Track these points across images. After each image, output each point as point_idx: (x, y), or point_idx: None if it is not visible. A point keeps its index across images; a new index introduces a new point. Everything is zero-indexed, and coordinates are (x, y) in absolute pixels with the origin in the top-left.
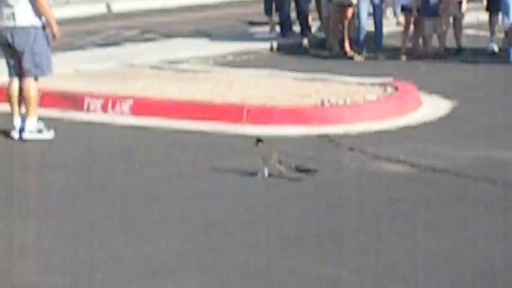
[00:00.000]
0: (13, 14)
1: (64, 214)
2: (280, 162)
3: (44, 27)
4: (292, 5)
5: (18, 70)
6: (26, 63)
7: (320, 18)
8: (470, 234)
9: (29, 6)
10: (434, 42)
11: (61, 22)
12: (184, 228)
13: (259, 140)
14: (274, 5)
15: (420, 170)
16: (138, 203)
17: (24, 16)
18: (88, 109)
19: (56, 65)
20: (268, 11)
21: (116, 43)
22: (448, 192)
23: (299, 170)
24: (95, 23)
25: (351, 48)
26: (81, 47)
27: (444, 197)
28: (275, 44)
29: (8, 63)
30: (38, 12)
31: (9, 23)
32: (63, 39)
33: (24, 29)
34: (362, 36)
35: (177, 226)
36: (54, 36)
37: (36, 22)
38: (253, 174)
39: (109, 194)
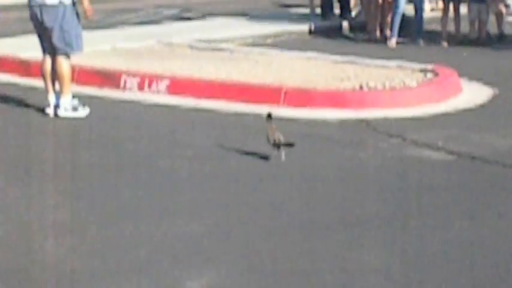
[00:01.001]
0: None
1: (95, 193)
2: (280, 141)
3: (74, 4)
4: None
5: (49, 47)
6: (56, 41)
7: (361, 1)
8: (508, 224)
9: None
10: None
11: (100, 0)
12: (217, 210)
13: (269, 115)
14: None
15: (459, 157)
16: (169, 183)
17: None
18: (124, 87)
19: (93, 43)
20: None
21: (154, 22)
22: (487, 180)
23: (286, 145)
24: (134, 1)
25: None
26: (119, 25)
27: (483, 185)
28: (314, 26)
29: (40, 40)
30: None
31: (39, 0)
32: (101, 16)
33: (53, 6)
34: (397, 20)
35: (209, 207)
36: (85, 13)
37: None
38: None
39: (141, 174)
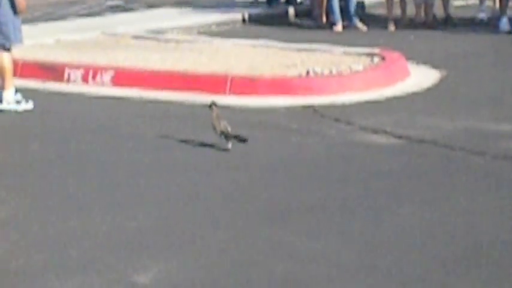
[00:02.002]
0: None
1: (40, 187)
2: (226, 130)
3: None
4: None
5: None
6: None
7: None
8: (458, 207)
9: None
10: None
11: None
12: (163, 201)
13: (213, 103)
14: None
15: (408, 141)
16: (116, 175)
17: None
18: (68, 80)
19: (37, 35)
20: None
21: (98, 13)
22: (436, 164)
23: (236, 137)
24: None
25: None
26: (63, 17)
27: (432, 168)
28: (258, 13)
29: None
30: None
31: None
32: (45, 9)
33: None
34: (336, 4)
35: (155, 200)
36: (18, 5)
37: None
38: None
39: (87, 167)
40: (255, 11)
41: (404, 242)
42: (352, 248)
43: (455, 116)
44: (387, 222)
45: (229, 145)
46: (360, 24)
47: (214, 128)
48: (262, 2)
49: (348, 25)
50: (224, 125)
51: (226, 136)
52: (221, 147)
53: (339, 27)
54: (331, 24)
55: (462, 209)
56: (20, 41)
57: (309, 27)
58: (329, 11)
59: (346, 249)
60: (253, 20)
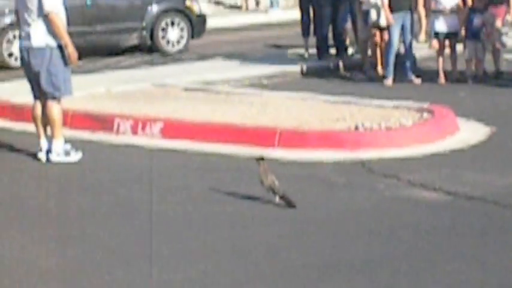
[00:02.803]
0: (29, 34)
1: (87, 239)
2: (274, 185)
3: (61, 48)
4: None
5: (39, 92)
6: (44, 84)
7: (356, 40)
8: (504, 266)
9: (44, 26)
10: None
11: None
12: (210, 255)
13: (261, 158)
14: (312, 27)
15: (456, 197)
16: (164, 227)
17: (39, 36)
18: (118, 131)
19: (88, 86)
20: (305, 33)
21: (149, 64)
22: (485, 221)
23: (282, 198)
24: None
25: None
26: (114, 68)
27: (480, 226)
28: (305, 67)
29: (30, 85)
30: (54, 33)
31: (26, 43)
32: (98, 59)
33: (39, 48)
34: (391, 58)
35: (201, 253)
36: (69, 58)
37: (52, 42)
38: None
39: (134, 220)
40: (306, 64)
41: None
42: None
43: (505, 172)
44: (435, 279)
45: (277, 199)
46: (414, 78)
47: (262, 183)
48: (311, 56)
49: (401, 79)
50: (272, 180)
51: (274, 192)
52: (268, 201)
53: (389, 80)
54: (383, 77)
55: (507, 267)
56: (70, 92)
57: (359, 80)
58: (386, 64)
59: None
60: (304, 73)
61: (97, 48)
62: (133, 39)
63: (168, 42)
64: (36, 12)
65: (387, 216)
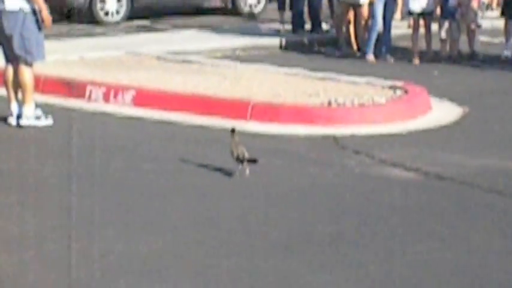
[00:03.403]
0: None
1: (55, 204)
2: (243, 155)
3: (34, 12)
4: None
5: (12, 56)
6: (16, 48)
7: (332, 16)
8: (474, 246)
9: None
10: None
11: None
12: (177, 226)
13: (233, 130)
14: (287, 1)
15: (426, 177)
16: (133, 197)
17: (13, 0)
18: (90, 98)
19: (61, 52)
20: (281, 7)
21: (124, 32)
22: (454, 201)
23: (248, 161)
24: None
25: (359, 48)
26: (88, 35)
27: (450, 206)
28: (284, 41)
29: (3, 48)
30: None
31: (0, 6)
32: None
33: (13, 12)
34: (374, 36)
35: (170, 223)
36: (43, 21)
37: (26, 6)
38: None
39: (103, 186)
40: (281, 38)
41: (417, 280)
42: (363, 283)
43: (476, 153)
44: (401, 258)
45: (247, 171)
46: (388, 56)
47: (232, 153)
48: (287, 30)
49: (377, 56)
50: (242, 151)
51: (242, 161)
52: (238, 174)
53: (371, 56)
54: (361, 54)
55: (477, 247)
56: (43, 57)
57: (334, 56)
58: (368, 41)
59: (357, 284)
60: (282, 47)
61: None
62: None
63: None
64: None
65: (357, 193)
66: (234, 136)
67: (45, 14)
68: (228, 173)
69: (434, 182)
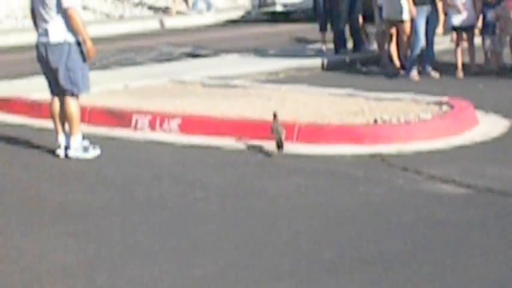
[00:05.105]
0: (46, 30)
1: (106, 234)
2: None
3: (79, 44)
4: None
5: (57, 88)
6: (62, 80)
7: (375, 35)
8: None
9: (62, 22)
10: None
11: (114, 38)
12: (229, 250)
13: (275, 114)
14: (329, 22)
15: (477, 191)
16: (184, 223)
17: (57, 32)
18: (136, 126)
19: (105, 82)
20: (322, 28)
21: (167, 59)
22: (505, 215)
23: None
24: (148, 39)
25: (402, 65)
26: (132, 63)
27: (502, 220)
28: (326, 61)
29: (48, 81)
30: (72, 28)
31: (44, 39)
32: (114, 55)
33: (57, 44)
34: (417, 53)
35: (221, 247)
36: (87, 53)
37: (70, 38)
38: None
39: (152, 215)
40: (326, 58)
41: None
42: None
43: None
44: (456, 274)
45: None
46: (432, 72)
47: (275, 134)
48: (329, 50)
49: (421, 72)
50: (281, 137)
51: (280, 147)
52: (289, 195)
53: (415, 74)
54: (405, 71)
55: None
56: (88, 88)
57: (377, 74)
58: (411, 58)
59: None
60: (324, 67)
61: None
62: None
63: None
64: (55, 9)
65: (407, 210)
66: (276, 120)
67: (90, 44)
68: (278, 196)
69: (484, 196)
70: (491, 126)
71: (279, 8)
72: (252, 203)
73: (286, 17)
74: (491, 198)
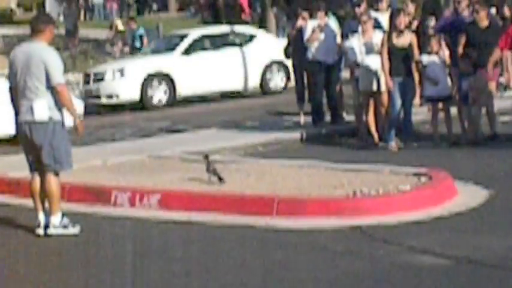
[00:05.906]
0: (31, 108)
1: None
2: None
3: (63, 122)
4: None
5: (37, 165)
6: (45, 158)
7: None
8: None
9: (48, 99)
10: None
11: (92, 114)
12: None
13: (206, 156)
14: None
15: (457, 262)
16: None
17: (43, 110)
18: (115, 203)
19: (84, 158)
20: (300, 100)
21: (146, 135)
22: (486, 285)
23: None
24: (124, 115)
25: (380, 137)
26: (110, 140)
27: None
28: (305, 134)
29: (27, 158)
30: (58, 106)
31: (28, 117)
32: (93, 132)
33: (42, 123)
34: (394, 124)
35: None
36: (76, 129)
37: (56, 116)
38: None
39: None
40: (301, 131)
41: None
42: None
43: (504, 235)
44: None
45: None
46: (411, 143)
47: (207, 170)
48: (307, 123)
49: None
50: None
51: (213, 173)
52: (269, 270)
53: (393, 145)
54: (378, 142)
55: None
56: (71, 166)
57: (355, 147)
58: (385, 129)
59: None
60: (303, 140)
61: None
62: None
63: None
64: (45, 84)
65: (388, 282)
66: (207, 160)
67: (78, 121)
68: (259, 269)
69: (464, 267)
70: (470, 197)
71: None
72: (234, 277)
73: None
74: (471, 269)
